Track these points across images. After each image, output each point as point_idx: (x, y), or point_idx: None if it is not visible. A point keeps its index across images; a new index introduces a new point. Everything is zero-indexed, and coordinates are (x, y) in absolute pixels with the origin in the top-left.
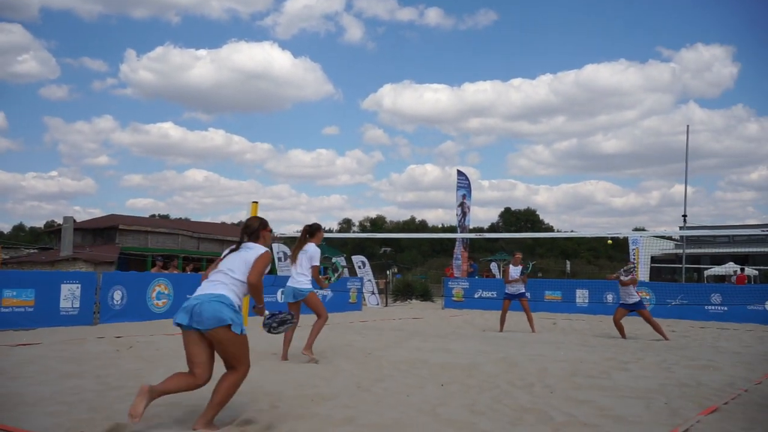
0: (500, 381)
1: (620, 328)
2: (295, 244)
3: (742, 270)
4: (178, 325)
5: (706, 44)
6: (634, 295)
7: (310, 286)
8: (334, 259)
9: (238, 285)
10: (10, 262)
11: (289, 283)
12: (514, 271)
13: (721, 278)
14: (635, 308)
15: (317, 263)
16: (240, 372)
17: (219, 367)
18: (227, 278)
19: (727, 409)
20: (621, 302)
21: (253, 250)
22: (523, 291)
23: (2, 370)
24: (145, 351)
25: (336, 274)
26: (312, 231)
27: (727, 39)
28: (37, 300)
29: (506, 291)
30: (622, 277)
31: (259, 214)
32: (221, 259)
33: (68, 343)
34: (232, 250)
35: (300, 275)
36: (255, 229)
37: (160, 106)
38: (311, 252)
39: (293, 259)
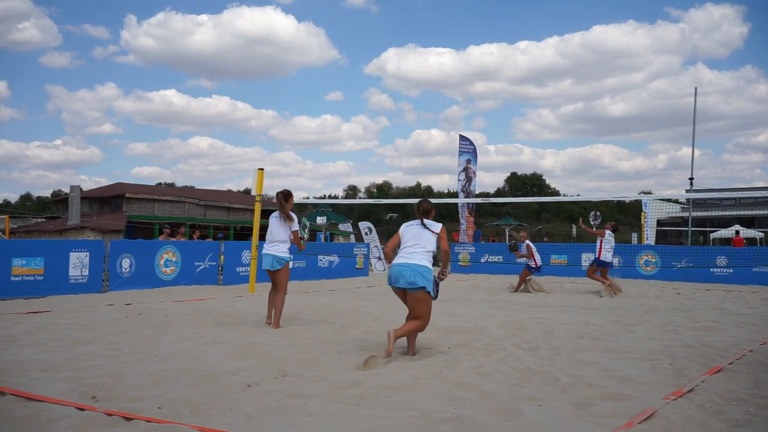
0: (506, 344)
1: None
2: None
3: (737, 233)
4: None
5: (716, 3)
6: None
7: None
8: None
9: (430, 255)
10: (19, 231)
11: (268, 251)
12: None
13: (727, 240)
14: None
15: (297, 228)
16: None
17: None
18: (424, 251)
19: (731, 370)
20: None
21: (436, 226)
22: None
23: (14, 338)
24: (154, 317)
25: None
26: (286, 197)
27: None
28: (46, 268)
29: None
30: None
31: (265, 181)
32: (402, 234)
33: (78, 311)
34: (411, 226)
35: (280, 243)
36: (428, 209)
37: (163, 73)
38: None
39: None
